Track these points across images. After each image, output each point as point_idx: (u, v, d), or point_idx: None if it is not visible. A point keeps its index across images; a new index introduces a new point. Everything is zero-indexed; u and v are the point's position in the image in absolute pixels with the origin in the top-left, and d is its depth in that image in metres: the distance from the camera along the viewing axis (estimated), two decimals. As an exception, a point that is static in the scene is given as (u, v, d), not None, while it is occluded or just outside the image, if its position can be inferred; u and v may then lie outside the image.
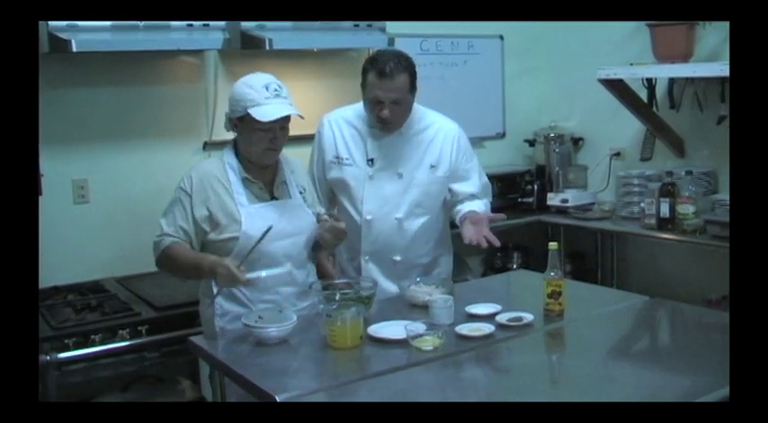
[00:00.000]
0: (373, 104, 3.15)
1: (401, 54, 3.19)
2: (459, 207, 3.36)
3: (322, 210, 3.14)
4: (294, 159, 3.10)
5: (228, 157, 2.93)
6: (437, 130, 3.32)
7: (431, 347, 2.51)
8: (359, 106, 3.32)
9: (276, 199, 2.95)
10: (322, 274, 3.21)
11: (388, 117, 3.14)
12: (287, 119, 2.85)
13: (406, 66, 3.13)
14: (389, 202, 3.26)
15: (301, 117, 2.84)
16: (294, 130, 2.92)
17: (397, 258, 3.30)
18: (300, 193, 3.02)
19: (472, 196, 3.37)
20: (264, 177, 2.95)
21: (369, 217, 3.25)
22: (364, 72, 3.16)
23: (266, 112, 2.77)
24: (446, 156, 3.30)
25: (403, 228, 3.29)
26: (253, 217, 2.84)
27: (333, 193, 3.40)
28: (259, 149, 2.86)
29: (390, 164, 3.26)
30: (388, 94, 3.10)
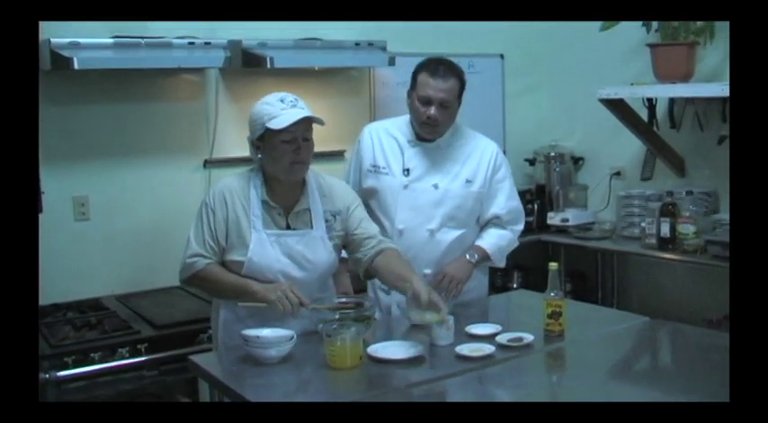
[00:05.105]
0: (421, 103, 3.16)
1: (453, 62, 3.23)
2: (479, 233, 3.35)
3: (375, 228, 3.03)
4: (332, 181, 3.00)
5: (255, 177, 2.86)
6: (475, 146, 3.32)
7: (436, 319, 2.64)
8: (400, 119, 3.35)
9: (291, 228, 2.86)
10: (336, 288, 3.22)
11: (434, 116, 3.15)
12: (309, 130, 2.79)
13: (458, 73, 3.18)
14: (422, 213, 3.25)
15: (321, 122, 2.79)
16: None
17: (428, 272, 3.23)
18: (327, 220, 2.91)
19: (496, 219, 3.33)
20: (287, 203, 2.85)
21: (401, 226, 3.23)
22: (414, 74, 3.20)
23: (283, 119, 2.71)
24: (482, 171, 3.29)
25: (435, 240, 3.25)
26: (262, 244, 2.79)
27: (366, 203, 3.34)
28: (285, 164, 2.77)
29: (426, 175, 3.27)
30: (438, 94, 3.12)
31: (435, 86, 3.12)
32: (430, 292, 2.70)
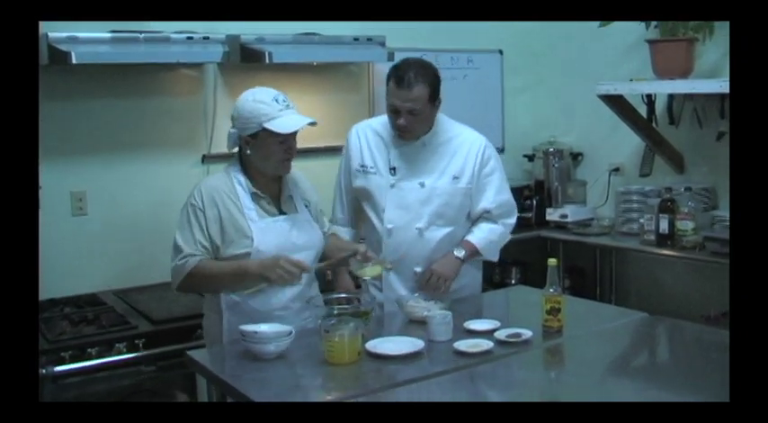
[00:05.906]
0: (391, 112, 3.16)
1: (424, 65, 3.16)
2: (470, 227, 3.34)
3: (327, 224, 3.16)
4: (298, 173, 3.08)
5: (236, 173, 2.91)
6: (462, 142, 3.28)
7: (368, 278, 2.86)
8: (387, 117, 3.29)
9: (284, 213, 2.94)
10: (338, 285, 3.29)
11: (402, 126, 3.13)
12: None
13: (427, 77, 3.11)
14: (411, 212, 3.23)
15: (315, 124, 2.84)
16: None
17: (418, 270, 3.24)
18: (306, 206, 3.02)
19: (486, 213, 3.31)
20: (272, 192, 2.94)
21: (390, 226, 3.23)
22: (387, 79, 3.16)
23: (285, 123, 2.78)
24: (469, 167, 3.25)
25: (424, 238, 3.23)
26: (264, 232, 2.84)
27: (358, 202, 3.38)
28: (276, 161, 2.86)
29: (413, 173, 3.24)
30: (404, 104, 3.09)
31: (400, 96, 3.08)
32: (368, 248, 2.96)
